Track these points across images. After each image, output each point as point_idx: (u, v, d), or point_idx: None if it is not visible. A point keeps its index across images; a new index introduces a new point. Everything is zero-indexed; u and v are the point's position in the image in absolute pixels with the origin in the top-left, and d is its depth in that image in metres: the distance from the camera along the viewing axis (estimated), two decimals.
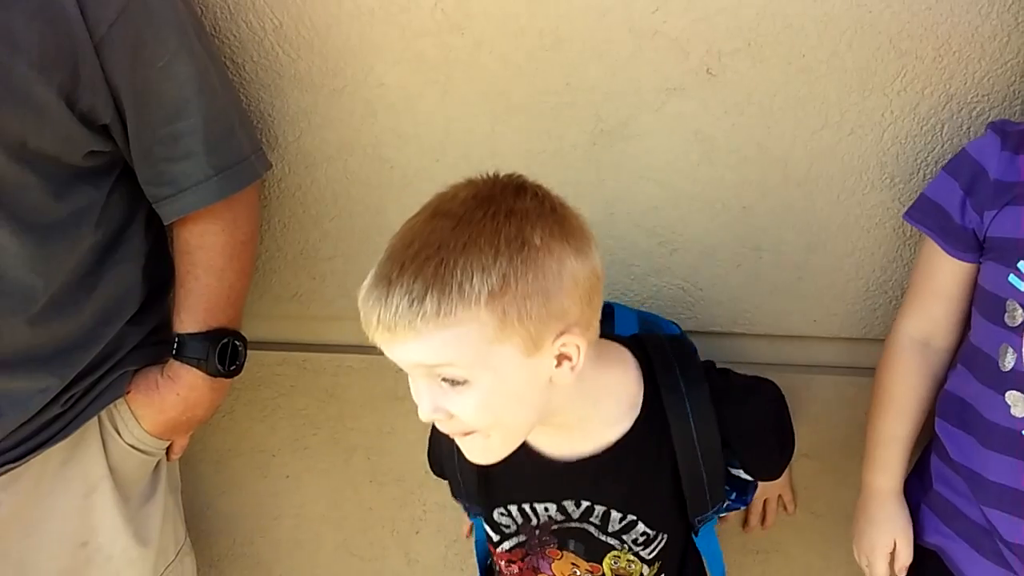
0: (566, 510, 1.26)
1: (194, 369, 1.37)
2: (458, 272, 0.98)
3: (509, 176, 1.08)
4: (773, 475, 1.41)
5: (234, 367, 1.41)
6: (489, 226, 1.01)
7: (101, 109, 1.23)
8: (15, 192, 1.20)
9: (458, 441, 1.12)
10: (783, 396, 1.33)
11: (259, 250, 1.56)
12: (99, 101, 1.22)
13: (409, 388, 1.07)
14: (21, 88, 1.15)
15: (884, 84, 1.35)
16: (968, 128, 1.36)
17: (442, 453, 1.33)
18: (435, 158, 1.46)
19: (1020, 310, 1.21)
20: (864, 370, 1.46)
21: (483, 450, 1.11)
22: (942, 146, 1.37)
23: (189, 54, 1.27)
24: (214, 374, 1.38)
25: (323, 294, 1.59)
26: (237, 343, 1.40)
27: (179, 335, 1.37)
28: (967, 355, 1.30)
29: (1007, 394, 1.24)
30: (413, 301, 0.98)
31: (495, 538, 1.33)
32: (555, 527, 1.28)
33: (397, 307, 0.98)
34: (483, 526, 1.34)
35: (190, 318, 1.36)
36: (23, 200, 1.21)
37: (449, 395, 1.04)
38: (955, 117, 1.36)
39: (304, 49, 1.42)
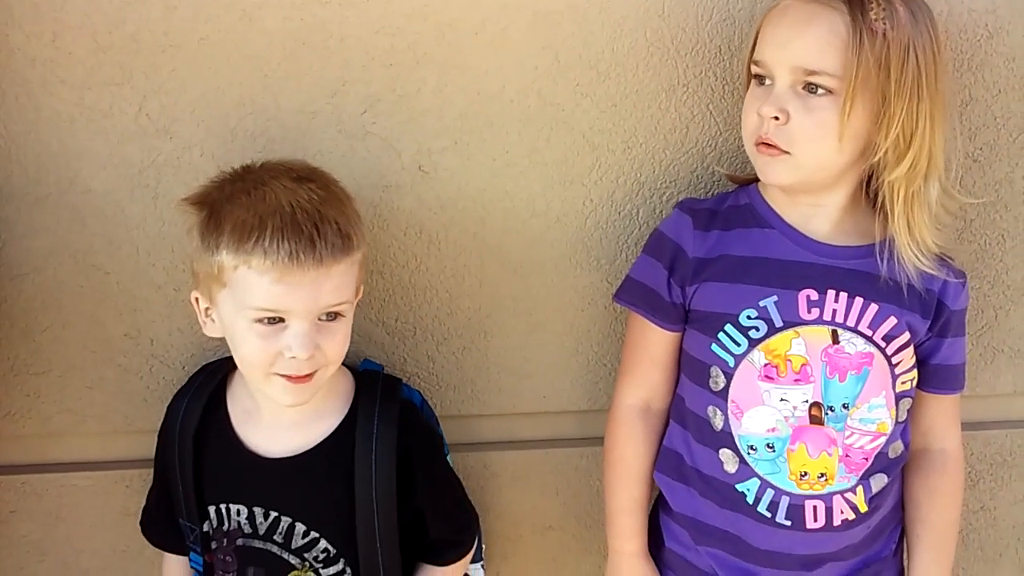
0: (254, 520, 1.33)
1: None
2: None
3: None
4: (455, 540, 1.43)
5: None
6: None
7: None
8: None
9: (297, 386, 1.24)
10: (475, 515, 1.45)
11: None
12: None
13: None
14: None
15: (582, 175, 1.46)
16: (661, 211, 1.48)
17: (168, 463, 1.37)
18: (151, 262, 1.43)
19: (722, 376, 1.32)
20: (594, 439, 1.53)
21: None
22: (639, 229, 1.49)
23: None
24: None
25: (39, 411, 1.50)
26: None
27: None
28: (680, 413, 1.41)
29: (720, 451, 1.34)
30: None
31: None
32: (239, 542, 1.34)
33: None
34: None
35: None
36: None
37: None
38: (648, 202, 1.48)
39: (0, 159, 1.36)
